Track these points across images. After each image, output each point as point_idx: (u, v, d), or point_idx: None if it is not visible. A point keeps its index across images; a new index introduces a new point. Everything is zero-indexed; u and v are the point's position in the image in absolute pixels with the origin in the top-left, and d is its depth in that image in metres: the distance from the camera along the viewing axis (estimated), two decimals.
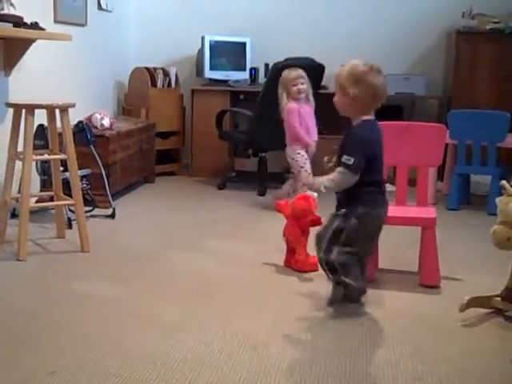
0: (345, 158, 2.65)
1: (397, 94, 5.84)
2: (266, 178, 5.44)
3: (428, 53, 6.13)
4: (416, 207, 3.34)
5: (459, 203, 4.90)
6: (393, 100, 5.90)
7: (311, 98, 4.66)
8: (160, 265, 3.44)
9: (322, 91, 5.28)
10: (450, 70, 5.83)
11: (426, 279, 3.15)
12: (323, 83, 5.49)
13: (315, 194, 3.41)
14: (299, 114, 4.58)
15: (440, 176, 5.27)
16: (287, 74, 4.58)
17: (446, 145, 4.12)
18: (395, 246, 3.72)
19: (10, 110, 3.65)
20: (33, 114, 3.49)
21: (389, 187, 3.44)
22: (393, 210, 3.28)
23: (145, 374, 2.19)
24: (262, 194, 5.27)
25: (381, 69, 2.68)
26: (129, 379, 2.14)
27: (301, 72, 4.57)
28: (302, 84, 4.55)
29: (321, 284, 3.16)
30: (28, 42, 4.09)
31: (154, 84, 5.91)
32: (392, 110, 5.77)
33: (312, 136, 4.67)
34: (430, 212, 3.25)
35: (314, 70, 5.04)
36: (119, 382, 2.12)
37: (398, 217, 3.21)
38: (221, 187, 5.52)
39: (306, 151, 4.63)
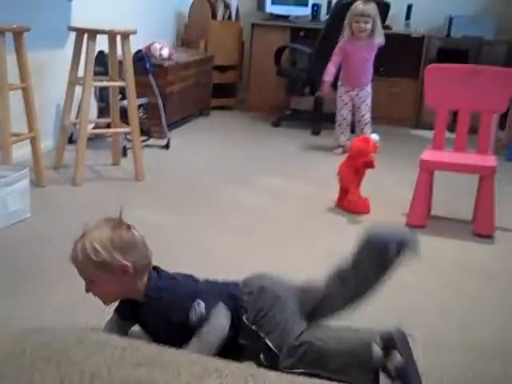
0: None
1: (463, 38, 5.65)
2: (321, 118, 5.37)
3: None
4: (476, 155, 3.25)
5: None
6: (458, 43, 5.73)
7: (376, 37, 4.47)
8: (212, 197, 3.47)
9: (385, 31, 5.12)
10: None
11: (481, 228, 3.08)
12: (386, 23, 5.32)
13: (377, 138, 3.35)
14: (347, 54, 4.50)
15: (502, 125, 5.11)
16: (356, 6, 4.43)
17: None
18: (450, 193, 3.66)
19: (73, 35, 3.66)
20: (94, 39, 3.49)
21: (447, 134, 3.37)
22: (451, 157, 3.22)
23: None
24: (316, 133, 5.23)
25: None
26: None
27: (369, 9, 4.41)
28: (366, 23, 4.40)
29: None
30: None
31: (214, 16, 5.84)
32: (457, 54, 5.62)
33: (355, 80, 4.57)
34: (489, 160, 3.16)
35: (379, 8, 4.87)
36: None
37: (457, 163, 3.14)
38: (276, 124, 5.49)
39: (352, 89, 4.59)
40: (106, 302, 1.81)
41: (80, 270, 1.75)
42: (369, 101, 4.61)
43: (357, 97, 4.59)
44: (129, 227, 1.78)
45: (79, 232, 1.78)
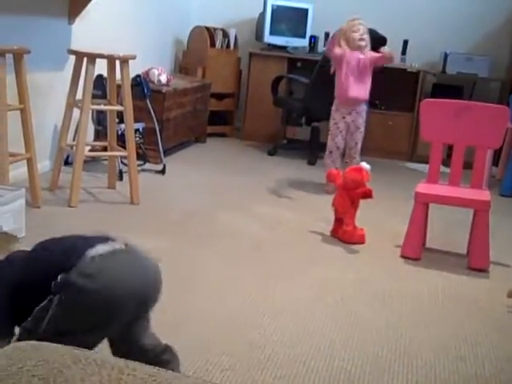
0: None
1: (458, 74, 5.72)
2: (318, 148, 5.39)
3: (494, 34, 5.93)
4: (470, 189, 3.27)
5: None
6: (453, 80, 5.80)
7: (367, 49, 4.30)
8: (206, 223, 3.46)
9: (381, 65, 5.16)
10: None
11: (475, 262, 3.09)
12: None
13: (368, 166, 3.36)
14: (345, 63, 4.22)
15: (495, 161, 5.15)
16: (347, 22, 4.27)
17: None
18: (444, 227, 3.67)
19: (72, 58, 3.69)
20: (94, 63, 3.51)
21: (442, 169, 3.38)
22: (446, 190, 3.24)
23: (185, 329, 2.21)
24: (312, 163, 5.24)
25: None
26: (164, 335, 1.85)
27: (361, 20, 4.26)
28: (363, 30, 4.24)
29: (367, 256, 3.15)
30: None
31: (212, 44, 5.89)
32: (452, 90, 5.69)
33: (353, 99, 4.27)
34: (484, 195, 3.18)
35: (376, 42, 4.93)
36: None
37: (452, 197, 3.15)
38: (271, 153, 5.50)
39: (349, 114, 4.32)
40: None
41: None
42: (363, 128, 4.39)
43: (352, 123, 4.34)
44: None
45: None
